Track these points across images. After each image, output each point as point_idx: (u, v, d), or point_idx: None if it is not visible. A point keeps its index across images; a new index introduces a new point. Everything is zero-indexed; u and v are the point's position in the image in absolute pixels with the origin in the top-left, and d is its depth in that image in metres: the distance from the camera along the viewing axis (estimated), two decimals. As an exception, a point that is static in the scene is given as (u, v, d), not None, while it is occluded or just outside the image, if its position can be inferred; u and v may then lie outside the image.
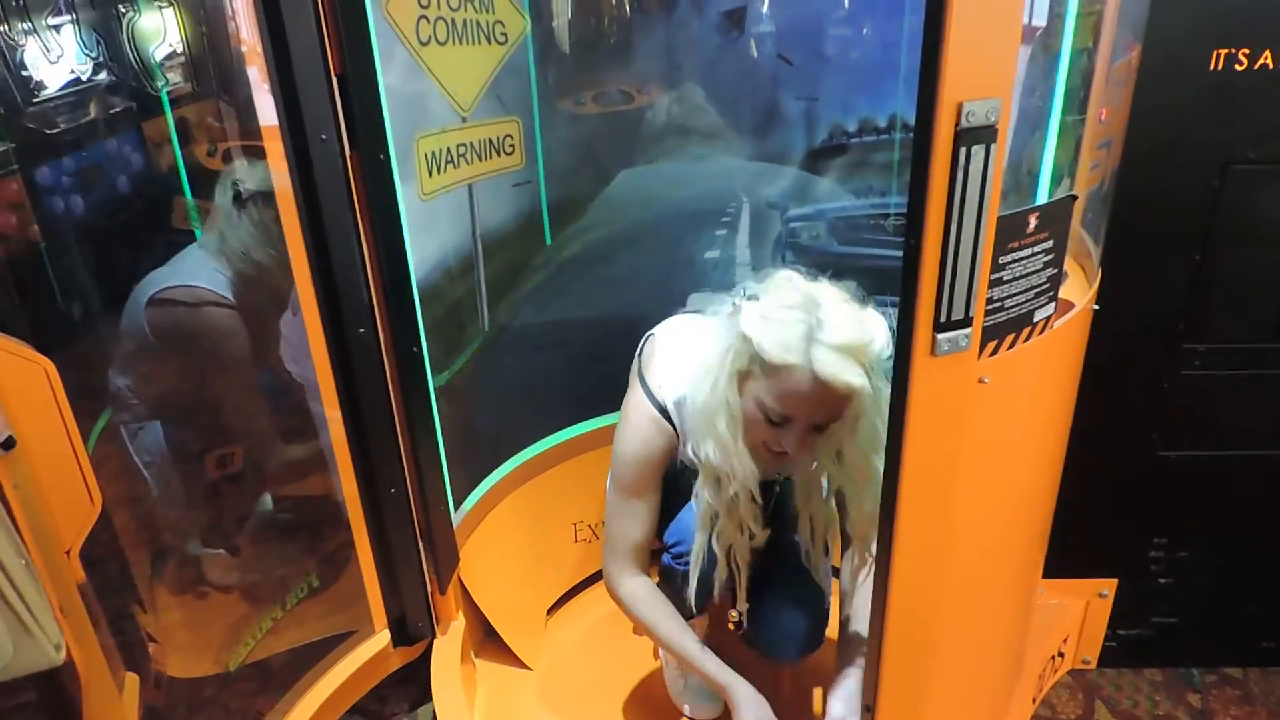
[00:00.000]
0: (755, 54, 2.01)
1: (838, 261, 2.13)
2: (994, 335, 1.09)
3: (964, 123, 0.92)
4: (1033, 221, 1.07)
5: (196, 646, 1.57)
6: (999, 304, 1.08)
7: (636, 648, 2.13)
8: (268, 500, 1.69)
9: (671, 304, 2.08)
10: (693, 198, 2.17)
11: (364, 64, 1.46)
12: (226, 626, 1.59)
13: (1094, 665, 2.06)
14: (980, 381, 1.10)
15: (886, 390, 1.25)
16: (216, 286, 1.75)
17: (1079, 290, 1.37)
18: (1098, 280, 1.44)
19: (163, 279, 1.69)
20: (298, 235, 1.51)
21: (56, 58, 1.36)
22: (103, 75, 1.48)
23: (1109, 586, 1.96)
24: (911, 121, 1.87)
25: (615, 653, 2.13)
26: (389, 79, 1.54)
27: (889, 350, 1.27)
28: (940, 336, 1.02)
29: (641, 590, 1.66)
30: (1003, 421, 1.18)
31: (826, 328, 1.31)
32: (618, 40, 2.02)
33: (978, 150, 0.94)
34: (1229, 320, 1.66)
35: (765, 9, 1.97)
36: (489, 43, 1.82)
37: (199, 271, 1.72)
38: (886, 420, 1.12)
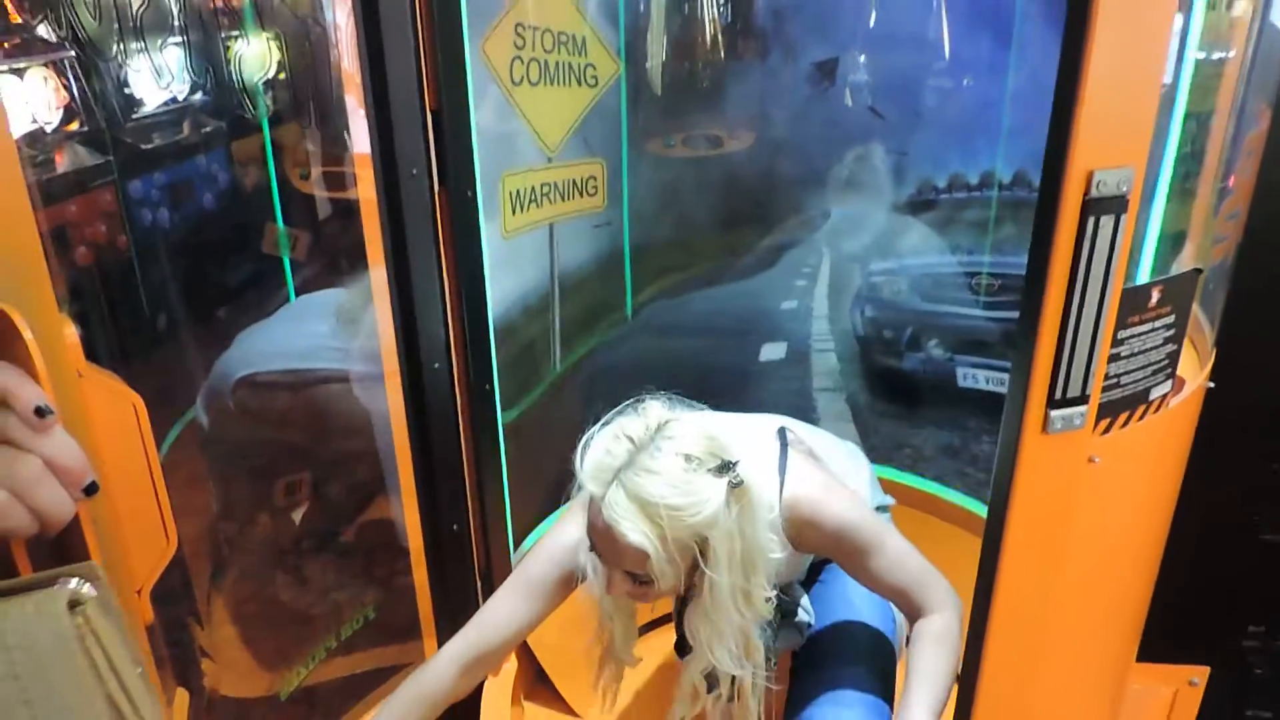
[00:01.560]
0: (849, 103, 1.98)
1: (918, 319, 2.08)
2: (1109, 413, 1.03)
3: (1094, 192, 0.88)
4: (1155, 295, 1.01)
5: (249, 667, 1.55)
6: (1115, 380, 1.02)
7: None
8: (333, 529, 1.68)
9: (746, 353, 2.05)
10: (772, 247, 2.13)
11: (458, 100, 1.46)
12: (279, 650, 1.57)
13: (1179, 760, 1.94)
14: (1090, 461, 1.03)
15: (733, 580, 1.15)
16: (335, 362, 1.67)
17: (1190, 367, 1.30)
18: (1212, 358, 1.36)
19: (260, 355, 1.60)
20: (380, 267, 1.50)
21: (166, 82, 1.38)
22: (198, 95, 1.50)
23: (1200, 674, 1.85)
24: (1006, 179, 1.80)
25: (668, 702, 2.06)
26: (481, 117, 1.53)
27: (716, 527, 1.11)
28: (1054, 414, 0.96)
29: (409, 685, 1.42)
30: (1110, 502, 1.12)
31: (638, 470, 1.12)
32: (709, 86, 2.01)
33: (1106, 221, 0.89)
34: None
35: (861, 59, 1.94)
36: (579, 85, 1.82)
37: (319, 351, 1.64)
38: (744, 611, 1.09)
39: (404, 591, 1.75)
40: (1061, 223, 0.89)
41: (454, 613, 1.81)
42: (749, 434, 1.36)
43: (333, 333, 1.62)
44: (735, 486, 1.12)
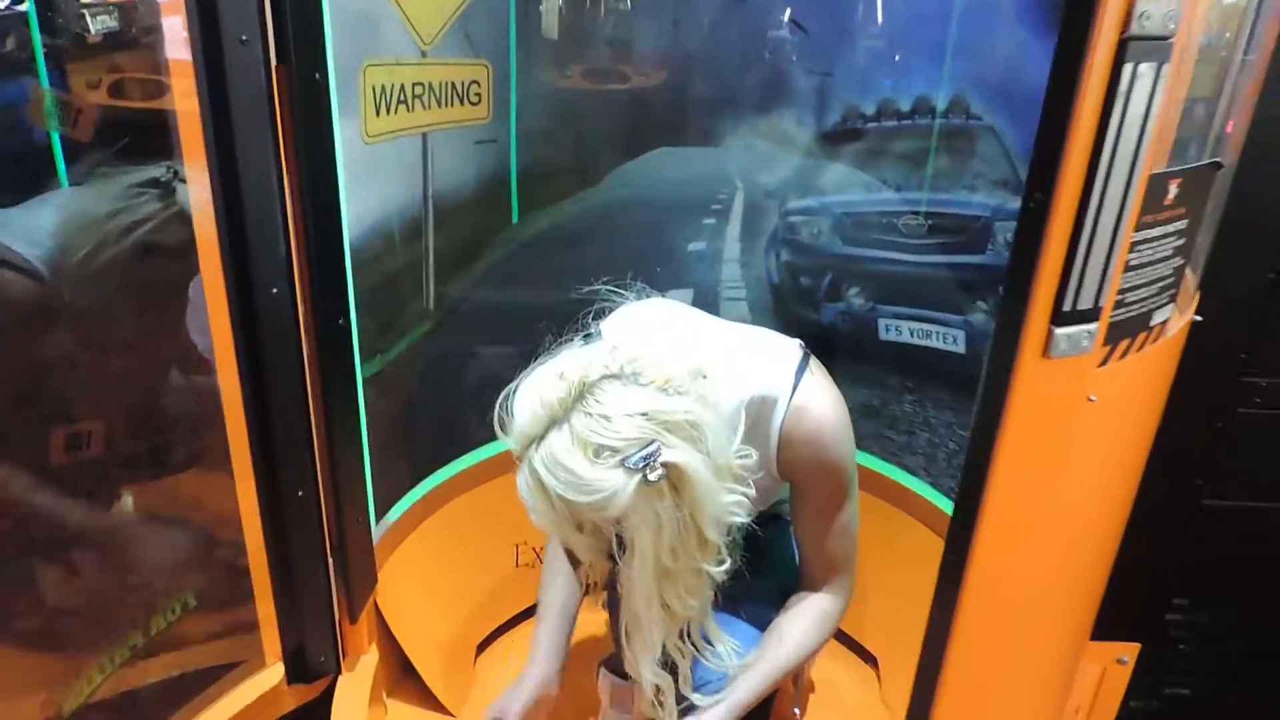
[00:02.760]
0: (766, 17, 1.75)
1: (839, 265, 1.88)
2: (1115, 337, 0.83)
3: (1134, 28, 0.66)
4: (1173, 189, 0.81)
5: (17, 687, 1.21)
6: (1122, 297, 0.82)
7: (579, 694, 1.82)
8: (128, 501, 1.34)
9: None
10: (681, 178, 1.89)
11: (302, -48, 1.16)
12: (61, 660, 1.24)
13: (1104, 741, 1.82)
14: (1089, 400, 0.83)
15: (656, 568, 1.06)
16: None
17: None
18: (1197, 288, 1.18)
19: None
20: (199, 158, 1.19)
21: None
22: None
23: (1130, 652, 1.72)
24: (943, 105, 1.55)
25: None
26: (334, -18, 1.24)
27: (612, 507, 0.99)
28: (1059, 332, 0.76)
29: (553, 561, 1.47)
30: (1100, 452, 0.92)
31: (544, 452, 1.00)
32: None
33: (1146, 70, 0.68)
34: (1301, 352, 1.44)
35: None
36: (461, -36, 1.53)
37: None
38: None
39: (235, 573, 1.44)
40: (1089, 71, 0.67)
41: (298, 598, 1.52)
42: (761, 344, 1.28)
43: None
44: (651, 484, 0.99)
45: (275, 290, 1.29)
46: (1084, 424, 0.83)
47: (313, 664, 1.59)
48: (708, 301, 1.96)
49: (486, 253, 1.81)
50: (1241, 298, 1.41)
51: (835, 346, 1.89)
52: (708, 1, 1.81)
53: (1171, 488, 1.56)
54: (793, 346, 1.28)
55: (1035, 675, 1.10)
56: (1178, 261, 0.87)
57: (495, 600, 1.97)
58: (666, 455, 0.99)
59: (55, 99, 1.18)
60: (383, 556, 1.69)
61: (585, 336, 1.20)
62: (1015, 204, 1.63)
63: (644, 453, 0.98)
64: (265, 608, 1.51)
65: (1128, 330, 0.84)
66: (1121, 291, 0.80)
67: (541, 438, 1.01)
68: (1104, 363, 0.84)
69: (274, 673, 1.55)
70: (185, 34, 1.13)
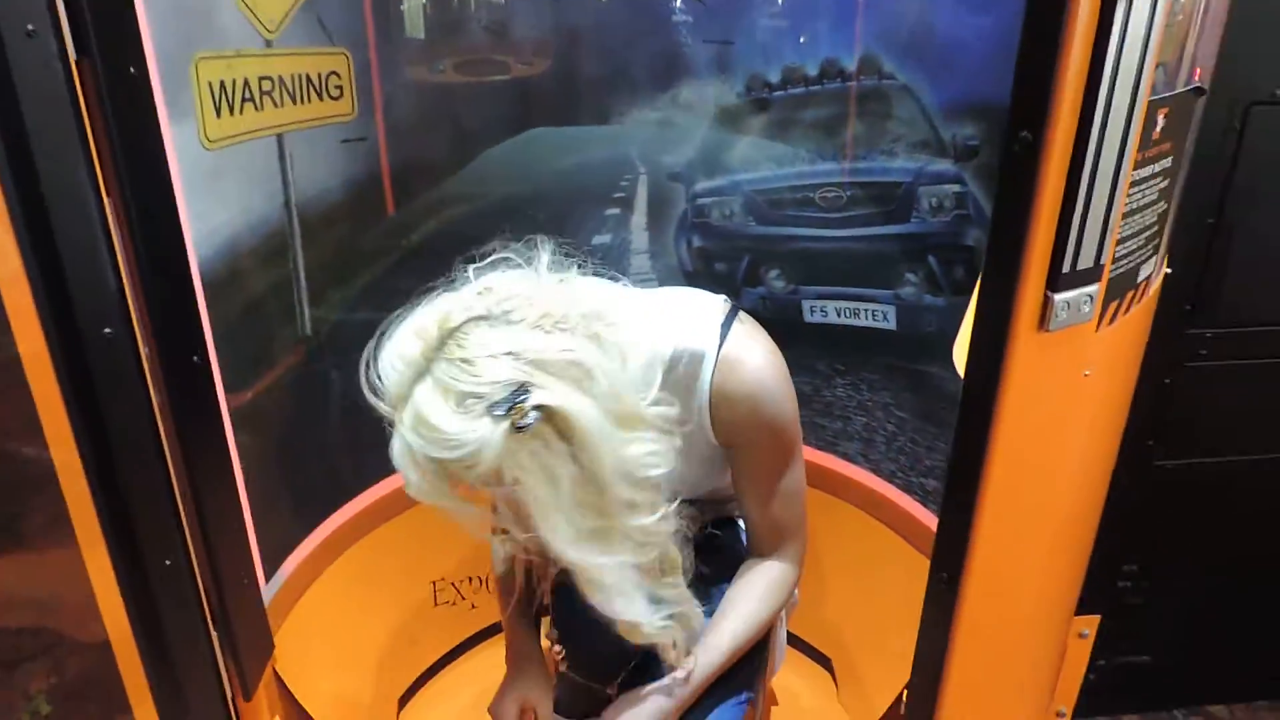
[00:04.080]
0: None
1: (755, 246, 1.75)
2: (1112, 296, 0.71)
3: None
4: (1160, 121, 0.69)
5: None
6: (1116, 251, 0.70)
7: None
8: None
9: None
10: (577, 167, 1.73)
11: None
12: None
13: (1069, 717, 1.74)
14: (1084, 375, 0.71)
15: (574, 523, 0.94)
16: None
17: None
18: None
19: None
20: (-12, 180, 0.97)
21: None
22: None
23: (1090, 625, 1.64)
24: (853, 67, 1.43)
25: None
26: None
27: (483, 461, 0.87)
28: (1058, 299, 0.63)
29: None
30: (1091, 429, 0.81)
31: (408, 406, 0.90)
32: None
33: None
34: (1244, 300, 1.37)
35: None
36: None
37: None
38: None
39: (94, 662, 1.22)
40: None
41: (178, 680, 1.30)
42: (682, 299, 1.17)
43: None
44: (523, 430, 0.86)
45: (109, 331, 1.07)
46: (1079, 401, 0.71)
47: (207, 754, 1.38)
48: (618, 298, 1.81)
49: (366, 266, 1.61)
50: (1183, 247, 1.34)
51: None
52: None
53: (1124, 451, 1.49)
54: (717, 301, 1.17)
55: (1035, 662, 1.00)
56: (1162, 206, 0.76)
57: (415, 647, 1.78)
58: (540, 397, 0.87)
59: None
60: (278, 618, 1.49)
61: (450, 283, 1.03)
62: (938, 166, 1.54)
63: (510, 395, 0.86)
64: (141, 698, 1.29)
65: (1119, 289, 0.72)
66: (1117, 244, 0.68)
67: (408, 397, 0.90)
68: (1097, 329, 0.72)
69: (161, 771, 1.34)
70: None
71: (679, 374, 1.09)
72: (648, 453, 0.96)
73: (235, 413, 1.33)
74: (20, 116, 0.96)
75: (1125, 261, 0.72)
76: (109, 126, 1.02)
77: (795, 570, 1.21)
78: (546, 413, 0.87)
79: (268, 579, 1.46)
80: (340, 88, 1.45)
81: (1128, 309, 0.77)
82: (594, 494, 0.93)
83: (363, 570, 1.68)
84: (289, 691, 1.50)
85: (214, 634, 1.32)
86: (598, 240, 1.78)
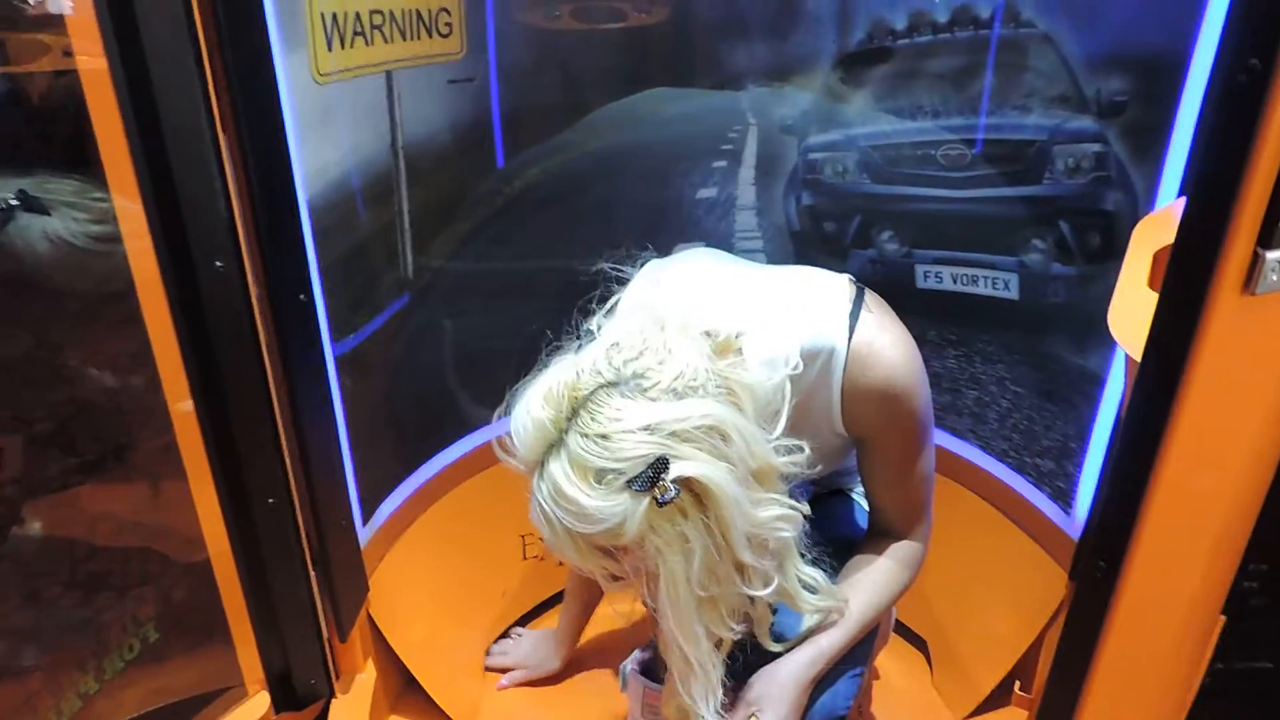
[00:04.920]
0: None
1: (868, 206, 1.67)
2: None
3: None
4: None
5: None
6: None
7: (600, 698, 1.64)
8: (35, 525, 1.13)
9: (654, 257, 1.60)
10: (682, 116, 1.67)
11: None
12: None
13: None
14: (1282, 346, 0.63)
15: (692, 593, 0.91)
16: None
17: None
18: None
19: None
20: (113, 117, 0.96)
21: None
22: None
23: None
24: (987, 13, 1.32)
25: (573, 705, 1.65)
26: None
27: (625, 534, 0.86)
28: (1270, 257, 0.55)
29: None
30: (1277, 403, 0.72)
31: (544, 473, 0.89)
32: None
33: None
34: None
35: None
36: None
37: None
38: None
39: (200, 596, 1.24)
40: None
41: (277, 616, 1.32)
42: (803, 287, 1.12)
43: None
44: (663, 504, 0.85)
45: (220, 264, 1.07)
46: (1276, 377, 0.63)
47: (301, 689, 1.40)
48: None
49: (470, 212, 1.59)
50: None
51: (866, 297, 1.68)
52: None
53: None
54: (841, 283, 1.12)
55: (1185, 660, 0.93)
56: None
57: (503, 599, 1.78)
58: (679, 469, 0.86)
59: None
60: (373, 562, 1.50)
61: (581, 336, 1.02)
62: (1078, 123, 1.42)
63: (649, 470, 0.85)
64: (242, 632, 1.31)
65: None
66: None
67: (542, 464, 0.89)
68: (1295, 295, 0.64)
69: (258, 703, 1.36)
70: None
71: (809, 375, 1.05)
72: (776, 517, 0.95)
73: (336, 356, 1.32)
74: (139, 37, 0.94)
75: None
76: (227, 58, 1.00)
77: (924, 549, 1.19)
78: (685, 483, 0.86)
79: (364, 523, 1.46)
80: (450, 25, 1.42)
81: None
82: (722, 561, 0.91)
83: (453, 520, 1.68)
84: (381, 634, 1.51)
85: (312, 574, 1.33)
86: (702, 194, 1.72)
